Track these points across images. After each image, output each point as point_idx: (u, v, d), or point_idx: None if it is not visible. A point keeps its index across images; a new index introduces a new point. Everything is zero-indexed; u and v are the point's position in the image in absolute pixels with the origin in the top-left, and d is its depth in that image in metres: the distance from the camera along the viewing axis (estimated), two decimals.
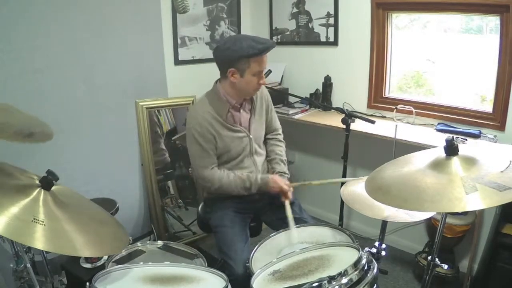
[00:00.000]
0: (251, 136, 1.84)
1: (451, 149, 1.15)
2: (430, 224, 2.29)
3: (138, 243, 1.63)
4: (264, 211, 1.94)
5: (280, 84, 3.02)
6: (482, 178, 1.03)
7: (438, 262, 1.34)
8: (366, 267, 1.17)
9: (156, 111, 2.56)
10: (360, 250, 1.23)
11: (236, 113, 1.82)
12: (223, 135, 1.77)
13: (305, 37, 2.96)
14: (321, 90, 2.87)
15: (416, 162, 1.25)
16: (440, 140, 1.65)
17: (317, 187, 3.10)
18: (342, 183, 1.80)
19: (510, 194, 0.96)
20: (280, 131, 2.08)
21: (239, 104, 1.82)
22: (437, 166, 1.15)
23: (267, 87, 2.03)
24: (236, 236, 1.71)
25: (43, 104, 1.99)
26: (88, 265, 1.89)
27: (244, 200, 1.86)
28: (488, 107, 2.28)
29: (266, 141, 2.03)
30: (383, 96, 2.71)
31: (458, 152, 1.15)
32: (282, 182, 1.79)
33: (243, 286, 1.44)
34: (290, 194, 1.79)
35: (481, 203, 0.97)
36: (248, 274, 1.42)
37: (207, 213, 1.95)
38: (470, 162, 1.12)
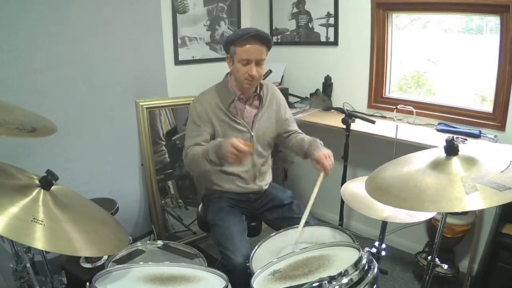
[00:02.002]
0: (252, 133, 1.83)
1: (451, 149, 1.15)
2: (430, 224, 2.29)
3: (138, 243, 1.63)
4: (262, 211, 1.93)
5: (280, 84, 3.02)
6: (482, 178, 1.03)
7: (438, 262, 1.34)
8: (366, 267, 1.17)
9: (156, 111, 2.56)
10: (361, 250, 1.23)
11: (241, 106, 1.83)
12: (223, 121, 1.78)
13: (305, 37, 2.96)
14: (321, 90, 2.87)
15: (416, 162, 1.25)
16: (440, 140, 1.65)
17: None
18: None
19: (510, 194, 0.96)
20: (301, 132, 1.99)
21: (246, 98, 1.83)
22: (437, 166, 1.15)
23: None
24: (232, 228, 1.71)
25: (43, 104, 1.99)
26: (88, 265, 1.89)
27: (239, 196, 1.88)
28: (488, 107, 2.28)
29: (288, 137, 1.95)
30: (383, 96, 2.71)
31: (458, 152, 1.15)
32: (238, 140, 1.50)
33: (242, 276, 1.45)
34: (327, 163, 1.64)
35: (481, 203, 0.97)
36: (246, 266, 1.43)
37: (204, 210, 1.96)
38: (470, 162, 1.12)
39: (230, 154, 1.49)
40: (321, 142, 1.80)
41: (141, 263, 1.43)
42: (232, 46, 1.69)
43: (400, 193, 1.11)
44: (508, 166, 1.07)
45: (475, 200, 0.98)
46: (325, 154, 1.67)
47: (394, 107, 2.52)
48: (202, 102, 1.79)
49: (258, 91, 1.84)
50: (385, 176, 1.24)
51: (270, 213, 1.90)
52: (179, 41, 2.70)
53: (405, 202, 1.08)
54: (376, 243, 1.59)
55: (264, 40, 1.68)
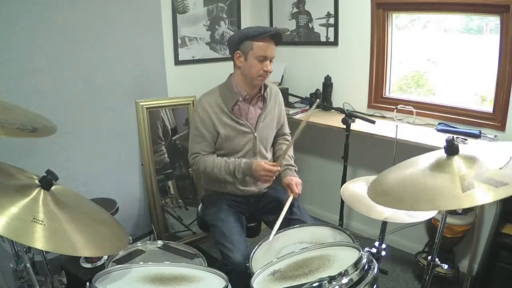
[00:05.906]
0: (255, 134, 1.84)
1: (451, 149, 1.15)
2: (430, 224, 2.29)
3: (138, 243, 1.63)
4: (261, 212, 1.94)
5: (280, 84, 3.02)
6: (480, 176, 1.03)
7: (438, 262, 1.34)
8: (366, 267, 1.17)
9: (156, 111, 2.56)
10: (361, 250, 1.23)
11: (245, 107, 1.83)
12: (227, 124, 1.79)
13: (305, 37, 2.96)
14: (321, 90, 2.87)
15: (418, 164, 1.24)
16: (440, 140, 1.65)
17: (317, 188, 3.10)
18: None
19: (507, 190, 0.95)
20: (289, 135, 2.09)
21: (250, 98, 1.83)
22: (437, 166, 1.14)
23: None
24: (231, 228, 1.72)
25: (43, 104, 1.99)
26: (88, 265, 1.89)
27: (239, 198, 1.88)
28: (488, 107, 2.28)
29: (274, 141, 2.04)
30: (383, 96, 2.71)
31: (459, 152, 1.15)
32: (266, 163, 1.74)
33: (242, 276, 1.45)
34: (296, 189, 1.80)
35: (478, 200, 0.97)
36: (246, 266, 1.43)
37: (204, 211, 1.96)
38: (470, 160, 1.11)
39: (263, 177, 1.73)
40: (296, 168, 1.94)
41: (141, 263, 1.43)
42: (249, 41, 1.69)
43: (399, 194, 1.11)
44: (508, 162, 1.06)
45: (471, 197, 0.98)
46: (296, 182, 1.84)
47: (394, 107, 2.52)
48: (204, 105, 1.79)
49: (262, 92, 1.85)
50: (388, 180, 1.24)
51: (270, 214, 1.90)
52: (179, 41, 2.70)
53: (402, 202, 1.09)
54: (376, 243, 1.59)
55: (279, 41, 1.74)
